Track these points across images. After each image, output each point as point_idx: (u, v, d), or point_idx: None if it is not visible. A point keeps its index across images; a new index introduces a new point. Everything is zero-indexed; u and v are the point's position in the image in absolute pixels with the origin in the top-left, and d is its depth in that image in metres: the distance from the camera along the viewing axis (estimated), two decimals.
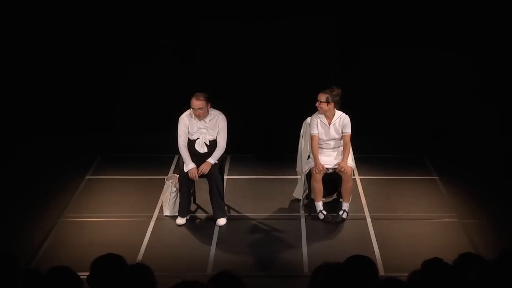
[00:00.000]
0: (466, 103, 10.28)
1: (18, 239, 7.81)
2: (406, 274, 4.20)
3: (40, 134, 10.23)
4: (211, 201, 8.36)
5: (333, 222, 8.33)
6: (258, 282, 7.11)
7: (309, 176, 8.46)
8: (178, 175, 8.56)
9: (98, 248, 7.00)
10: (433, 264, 4.18)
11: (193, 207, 8.69)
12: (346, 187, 8.35)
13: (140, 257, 7.51)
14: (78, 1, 10.09)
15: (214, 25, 10.11)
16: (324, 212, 8.37)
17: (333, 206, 8.57)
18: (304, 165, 8.56)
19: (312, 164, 8.34)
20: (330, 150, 8.42)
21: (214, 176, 8.26)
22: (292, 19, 10.09)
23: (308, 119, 8.51)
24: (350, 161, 8.41)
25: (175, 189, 8.41)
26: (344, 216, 8.38)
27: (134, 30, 10.18)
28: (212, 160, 8.27)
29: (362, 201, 8.86)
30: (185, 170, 8.19)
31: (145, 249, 7.73)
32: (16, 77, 10.22)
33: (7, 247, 7.04)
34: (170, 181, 8.48)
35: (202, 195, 8.79)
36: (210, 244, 7.85)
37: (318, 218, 8.36)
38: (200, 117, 8.22)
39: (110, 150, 10.29)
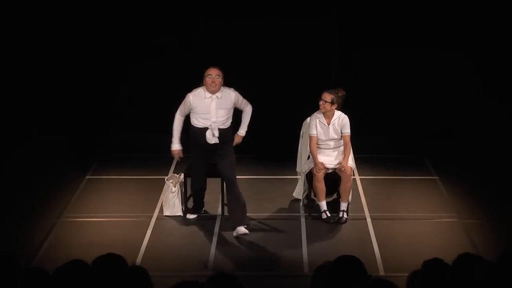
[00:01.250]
0: (466, 103, 10.27)
1: (18, 239, 7.80)
2: (406, 274, 4.19)
3: (40, 134, 10.23)
4: (228, 203, 8.13)
5: (336, 223, 8.32)
6: (258, 282, 7.12)
7: (309, 176, 8.46)
8: (178, 175, 8.56)
9: (98, 248, 7.00)
10: (433, 264, 4.18)
11: None
12: (345, 187, 8.33)
13: (140, 257, 7.51)
14: (78, 1, 10.08)
15: (214, 25, 10.11)
16: (328, 213, 8.36)
17: (333, 206, 8.57)
18: (304, 165, 8.55)
19: (313, 165, 8.33)
20: (330, 150, 8.40)
21: (230, 172, 8.01)
22: (292, 20, 10.08)
23: (308, 119, 8.50)
24: (350, 161, 8.39)
25: (175, 189, 8.41)
26: (345, 216, 8.36)
27: (134, 30, 10.17)
28: (243, 130, 8.17)
29: (362, 201, 8.85)
30: (172, 149, 8.13)
31: (145, 249, 7.73)
32: (16, 77, 10.21)
33: (7, 247, 7.03)
34: (170, 181, 8.48)
35: None
36: (210, 244, 7.85)
37: (321, 217, 8.34)
38: (216, 86, 7.86)
39: (110, 150, 10.30)
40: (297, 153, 8.74)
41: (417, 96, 10.33)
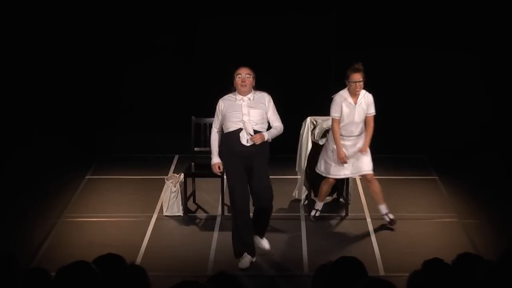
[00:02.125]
0: (466, 103, 10.27)
1: (18, 239, 7.81)
2: (406, 274, 4.19)
3: (40, 134, 10.23)
4: (257, 218, 7.47)
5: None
6: (258, 282, 7.12)
7: (310, 176, 8.48)
8: (178, 175, 8.54)
9: (98, 248, 7.00)
10: (433, 264, 4.18)
11: (193, 207, 8.70)
12: (373, 190, 8.17)
13: (140, 257, 7.51)
14: (78, 1, 10.08)
15: (213, 24, 10.11)
16: (318, 214, 8.37)
17: (333, 206, 8.59)
18: (319, 166, 8.23)
19: (323, 171, 8.16)
20: (353, 138, 8.02)
21: (268, 196, 7.39)
22: (292, 19, 10.08)
23: (308, 119, 8.50)
24: (370, 164, 8.10)
25: (175, 189, 8.41)
26: (390, 217, 8.13)
27: (134, 30, 10.17)
28: (267, 135, 7.22)
29: (362, 201, 8.86)
30: (211, 163, 7.53)
31: (145, 249, 7.73)
32: (16, 77, 10.21)
33: (7, 247, 7.04)
34: (170, 181, 8.48)
35: (202, 195, 8.80)
36: (210, 244, 7.85)
37: (315, 215, 8.36)
38: (246, 86, 7.28)
39: (110, 150, 10.30)
40: (297, 153, 8.73)
41: (417, 96, 10.32)
